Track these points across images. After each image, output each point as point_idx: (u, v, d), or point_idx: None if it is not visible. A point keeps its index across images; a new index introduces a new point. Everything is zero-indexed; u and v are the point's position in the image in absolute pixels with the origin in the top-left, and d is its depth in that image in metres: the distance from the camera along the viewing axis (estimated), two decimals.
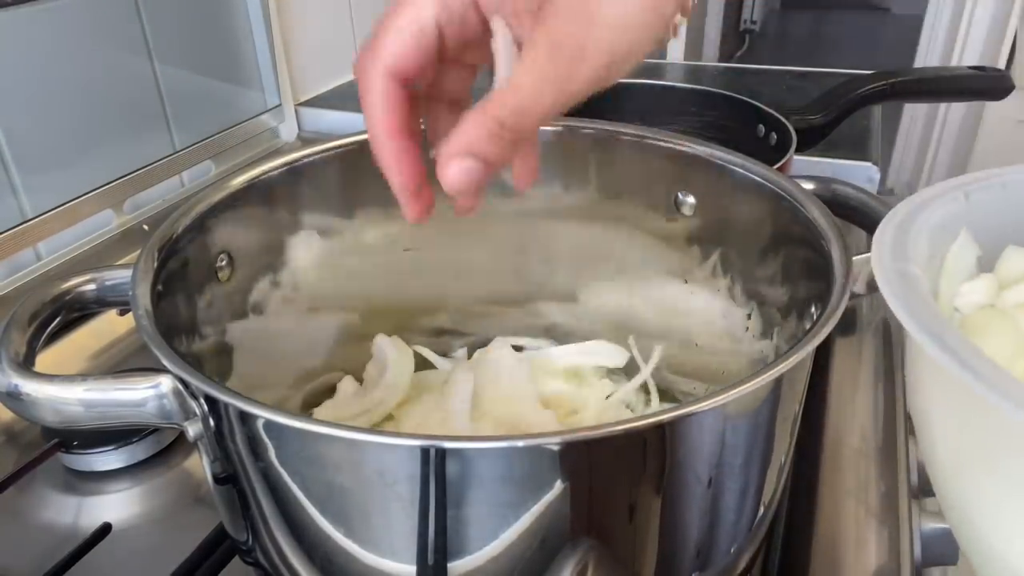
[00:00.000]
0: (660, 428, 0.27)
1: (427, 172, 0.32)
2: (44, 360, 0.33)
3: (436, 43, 0.30)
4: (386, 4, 0.31)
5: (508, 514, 0.27)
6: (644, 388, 0.49)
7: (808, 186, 0.40)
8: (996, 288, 0.31)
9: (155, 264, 0.34)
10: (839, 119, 0.72)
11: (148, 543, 0.43)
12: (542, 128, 0.46)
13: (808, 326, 0.33)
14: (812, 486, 0.45)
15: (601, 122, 0.46)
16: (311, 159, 0.44)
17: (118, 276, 0.35)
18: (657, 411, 0.26)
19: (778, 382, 0.30)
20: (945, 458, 0.27)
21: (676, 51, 2.21)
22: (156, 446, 0.48)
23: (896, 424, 0.49)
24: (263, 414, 0.26)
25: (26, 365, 0.31)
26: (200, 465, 0.46)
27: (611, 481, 0.28)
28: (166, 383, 0.30)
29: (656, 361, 0.49)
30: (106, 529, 0.43)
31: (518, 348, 0.51)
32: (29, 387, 0.30)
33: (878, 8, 4.81)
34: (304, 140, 0.95)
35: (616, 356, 0.50)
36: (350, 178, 0.45)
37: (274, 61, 0.86)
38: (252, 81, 0.86)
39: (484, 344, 0.52)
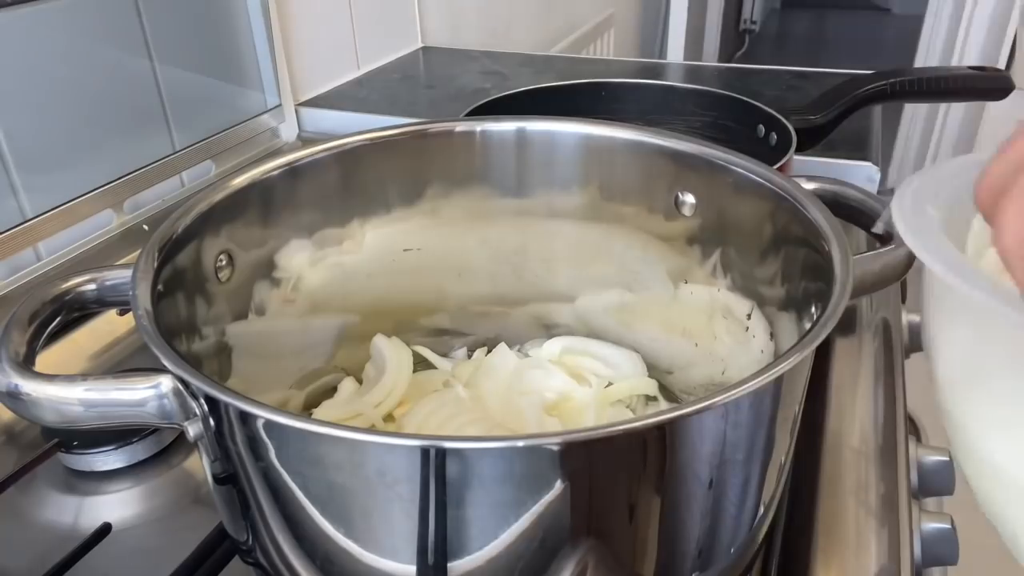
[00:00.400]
0: (660, 428, 0.27)
1: None
2: (44, 360, 0.33)
3: None
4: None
5: (508, 514, 0.27)
6: (644, 388, 0.49)
7: (808, 186, 0.40)
8: None
9: (155, 264, 0.34)
10: (839, 119, 0.72)
11: (148, 543, 0.43)
12: (541, 129, 0.47)
13: (808, 326, 0.33)
14: (812, 486, 0.45)
15: (601, 122, 0.46)
16: (311, 159, 0.44)
17: (118, 276, 0.35)
18: (657, 411, 0.26)
19: (778, 382, 0.30)
20: (948, 374, 0.29)
21: (676, 51, 2.22)
22: (156, 446, 0.48)
23: (896, 424, 0.49)
24: (263, 414, 0.26)
25: (26, 365, 0.31)
26: (200, 465, 0.46)
27: (611, 481, 0.28)
28: (166, 383, 0.30)
29: (655, 361, 0.49)
30: (106, 529, 0.43)
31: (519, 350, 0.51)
32: (29, 387, 0.30)
33: (878, 8, 4.81)
34: (304, 140, 0.95)
35: (618, 358, 0.50)
36: (350, 178, 0.45)
37: (274, 61, 0.86)
38: (252, 81, 0.86)
39: (484, 344, 0.52)
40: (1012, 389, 0.26)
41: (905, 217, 0.26)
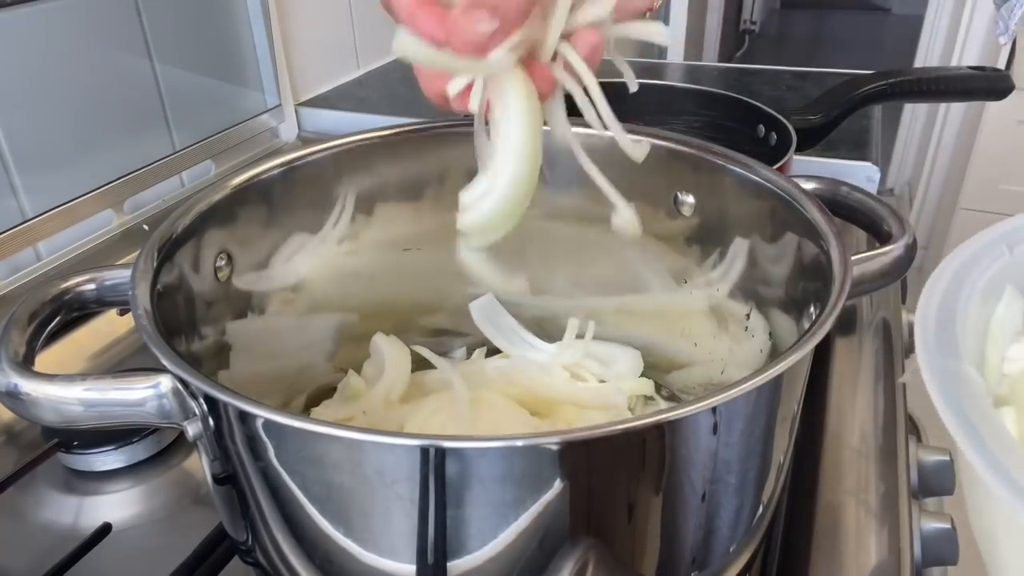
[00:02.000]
0: (659, 428, 0.27)
1: None
2: (44, 360, 0.33)
3: None
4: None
5: (508, 513, 0.27)
6: (643, 388, 0.49)
7: (808, 186, 0.40)
8: None
9: (155, 264, 0.34)
10: (839, 119, 0.72)
11: (148, 543, 0.43)
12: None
13: (807, 325, 0.33)
14: (812, 486, 0.45)
15: None
16: (311, 159, 0.44)
17: (118, 276, 0.35)
18: (656, 411, 0.26)
19: (777, 381, 0.30)
20: None
21: (676, 51, 2.22)
22: (156, 446, 0.48)
23: (896, 424, 0.49)
24: (262, 414, 0.26)
25: (26, 365, 0.31)
26: (200, 465, 0.46)
27: (610, 481, 0.28)
28: (166, 383, 0.30)
29: (654, 360, 0.49)
30: (106, 529, 0.43)
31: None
32: (29, 387, 0.30)
33: (878, 8, 4.81)
34: (304, 140, 0.95)
35: (618, 357, 0.50)
36: (350, 178, 0.45)
37: (274, 61, 0.86)
38: (252, 81, 0.86)
39: (483, 344, 0.52)
40: None
41: (947, 399, 0.22)
